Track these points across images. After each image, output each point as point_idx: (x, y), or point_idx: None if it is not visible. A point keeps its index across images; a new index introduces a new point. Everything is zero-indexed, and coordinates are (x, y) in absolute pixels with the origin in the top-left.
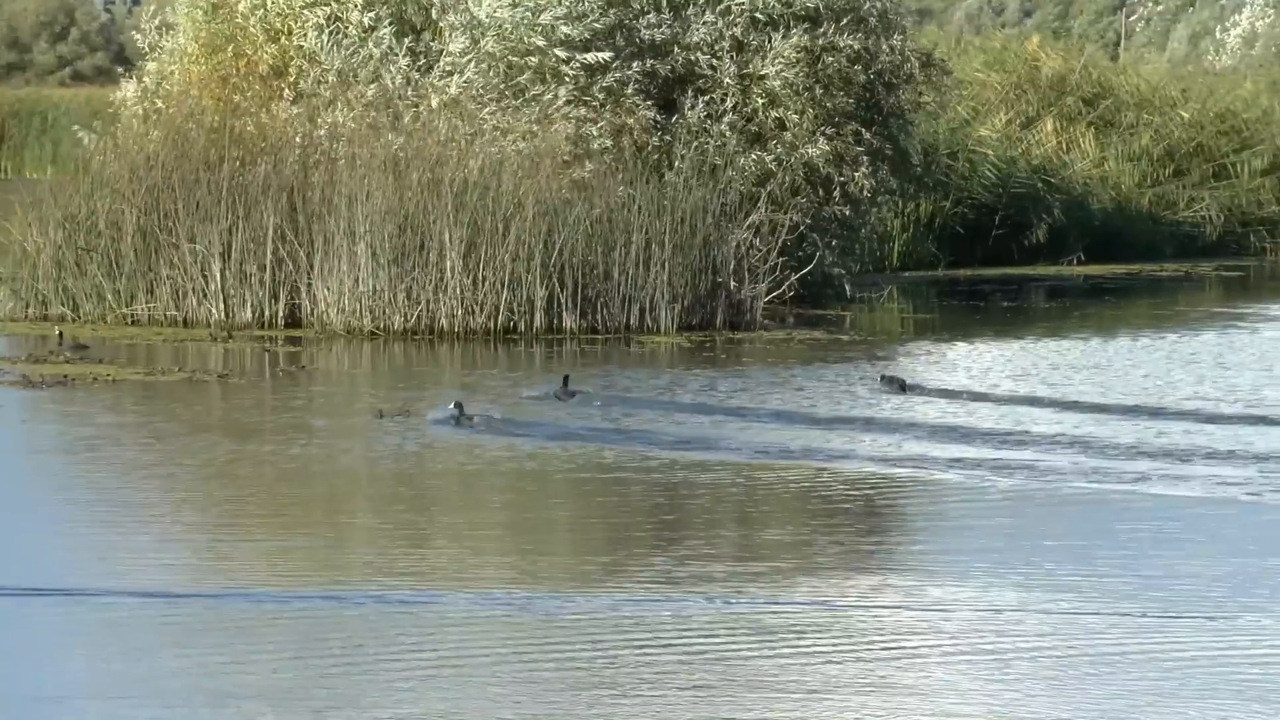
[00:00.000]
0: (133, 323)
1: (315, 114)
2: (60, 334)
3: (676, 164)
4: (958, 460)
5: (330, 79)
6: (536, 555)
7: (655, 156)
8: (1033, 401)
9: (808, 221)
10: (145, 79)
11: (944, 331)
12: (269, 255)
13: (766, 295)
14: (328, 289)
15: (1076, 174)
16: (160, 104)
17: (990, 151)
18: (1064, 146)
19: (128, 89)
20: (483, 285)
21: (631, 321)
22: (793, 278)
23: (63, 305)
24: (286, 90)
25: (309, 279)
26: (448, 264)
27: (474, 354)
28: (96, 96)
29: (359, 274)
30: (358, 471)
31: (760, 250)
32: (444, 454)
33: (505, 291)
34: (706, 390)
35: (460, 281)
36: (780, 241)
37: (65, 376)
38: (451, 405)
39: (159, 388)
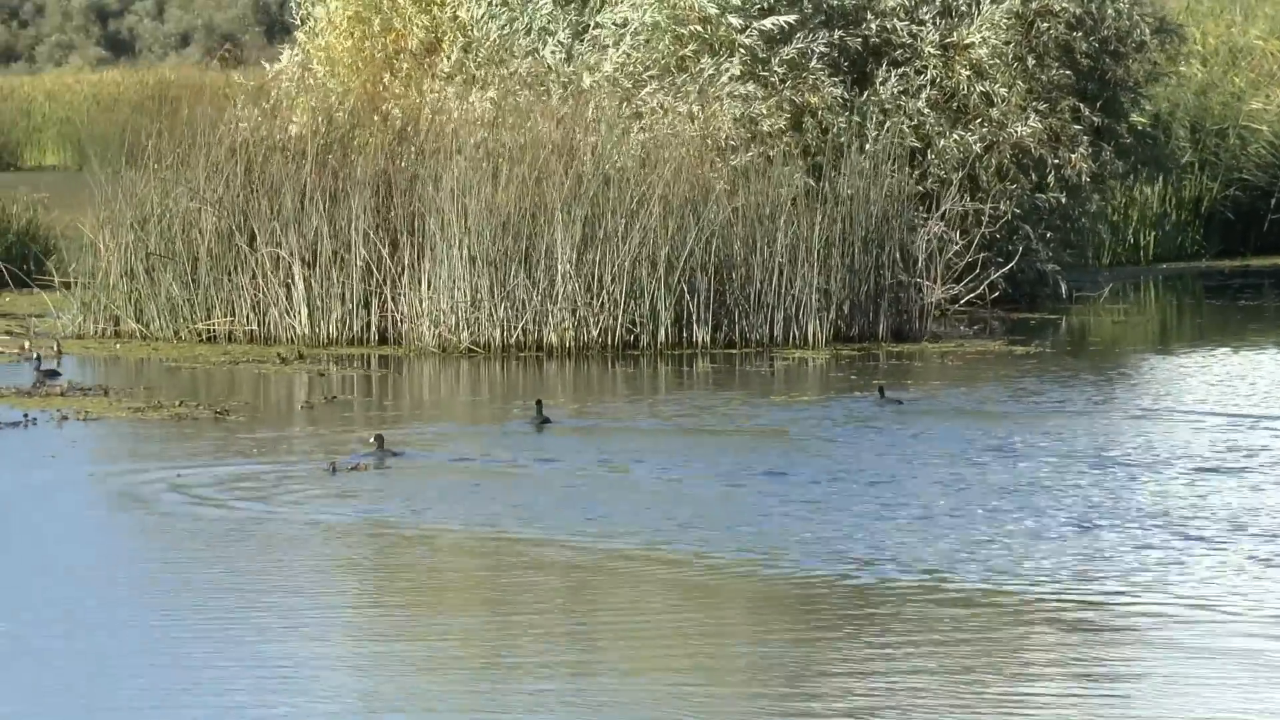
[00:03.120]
0: (208, 340)
1: (466, 93)
2: (37, 355)
3: (868, 147)
4: None
5: (483, 54)
6: None
7: (842, 139)
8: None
9: (1016, 211)
10: (302, 51)
11: (1182, 337)
12: (358, 261)
13: (964, 297)
14: (419, 300)
15: None
16: (311, 80)
17: (1266, 127)
18: None
19: (285, 60)
20: (598, 292)
21: (775, 333)
22: (993, 275)
23: (134, 320)
24: (439, 68)
25: (398, 288)
26: (558, 268)
27: (586, 374)
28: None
29: (454, 282)
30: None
31: (957, 245)
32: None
33: (625, 300)
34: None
35: (572, 288)
36: (981, 235)
37: (24, 415)
38: (371, 439)
39: (104, 427)
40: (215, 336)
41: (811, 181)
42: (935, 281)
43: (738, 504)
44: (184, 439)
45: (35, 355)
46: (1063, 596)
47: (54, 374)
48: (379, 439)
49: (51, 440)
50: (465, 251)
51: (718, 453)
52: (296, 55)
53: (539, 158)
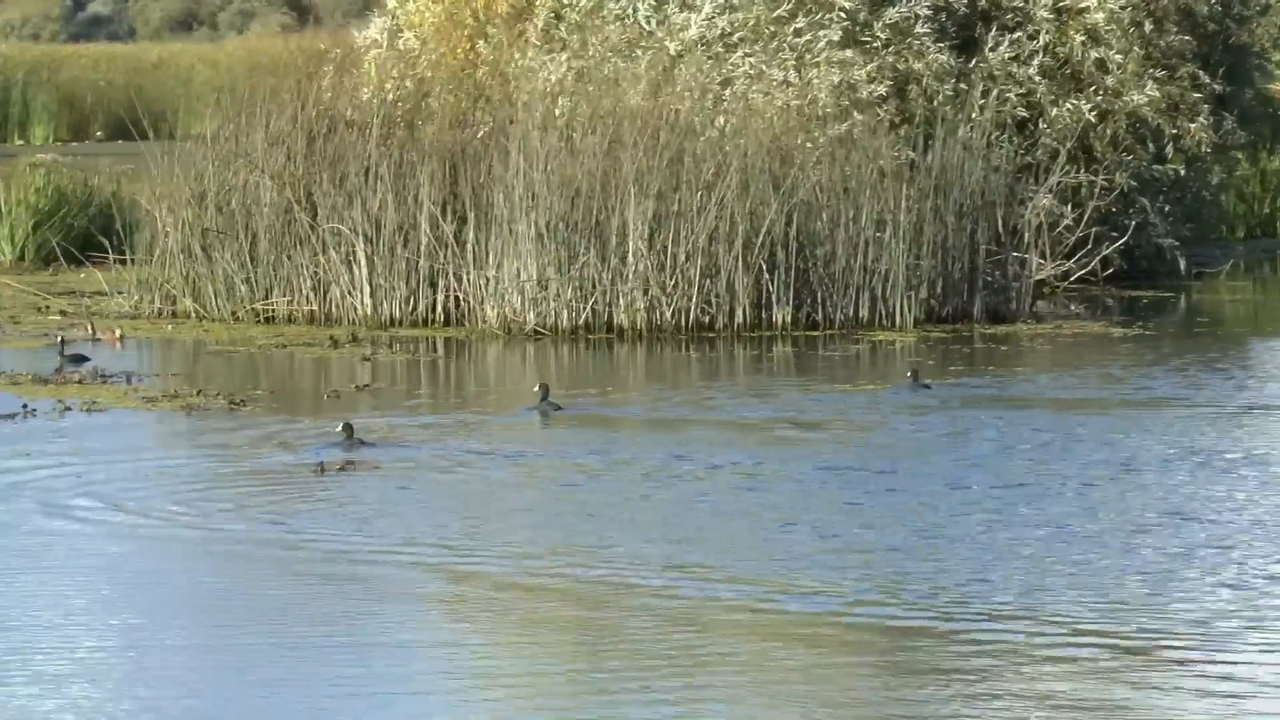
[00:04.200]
0: (265, 321)
1: (551, 60)
2: (61, 339)
3: (974, 116)
4: None
5: (572, 19)
6: None
7: (947, 108)
8: None
9: (1132, 183)
10: (395, 18)
11: None
12: (424, 237)
13: (1076, 274)
14: (483, 279)
15: None
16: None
17: None
18: None
19: (374, 28)
20: (672, 271)
21: (861, 313)
22: (1105, 250)
23: (191, 300)
24: (528, 34)
25: (461, 266)
26: (630, 245)
27: (659, 358)
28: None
29: (521, 260)
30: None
31: (1068, 219)
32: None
33: (700, 279)
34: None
35: (644, 266)
36: (1095, 208)
37: (23, 406)
38: (339, 428)
39: (102, 419)
40: (273, 317)
41: (911, 152)
42: (1044, 257)
43: (814, 522)
44: (175, 432)
45: (60, 339)
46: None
47: (80, 359)
48: (348, 428)
49: (35, 435)
50: (533, 227)
51: (780, 454)
52: (386, 23)
53: (612, 127)
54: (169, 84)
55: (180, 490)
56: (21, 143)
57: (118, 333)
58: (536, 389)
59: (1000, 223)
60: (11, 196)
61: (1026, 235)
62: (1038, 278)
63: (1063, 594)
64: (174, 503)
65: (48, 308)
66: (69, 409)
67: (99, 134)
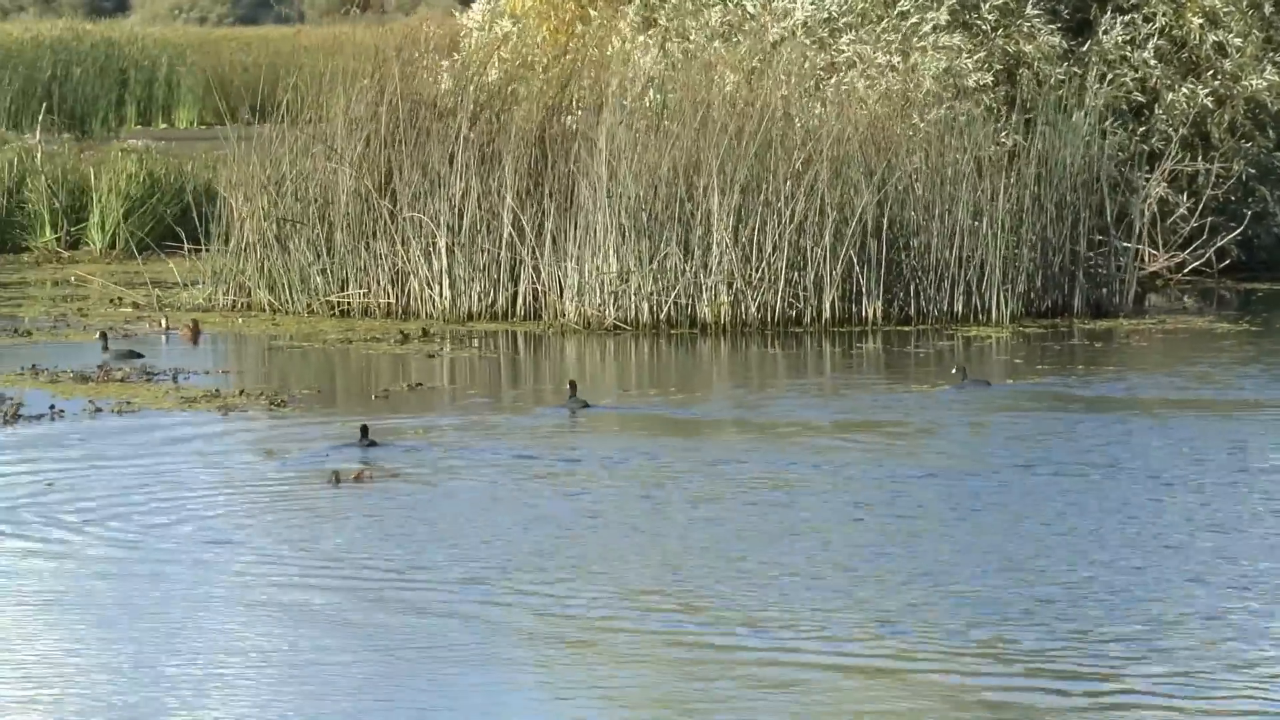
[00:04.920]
0: (341, 314)
1: (662, 41)
2: (103, 335)
3: (1088, 101)
4: None
5: (672, 2)
6: None
7: (1059, 93)
8: None
9: (1251, 171)
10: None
11: None
12: (506, 228)
13: (1190, 265)
14: (562, 271)
15: None
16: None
17: None
18: None
19: (476, 10)
20: (758, 263)
21: (955, 307)
22: (1221, 241)
23: (265, 291)
24: (629, 17)
25: (538, 257)
26: (714, 236)
27: (742, 355)
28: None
29: (601, 251)
30: None
31: (1183, 208)
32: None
33: (787, 271)
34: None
35: (729, 259)
36: (1211, 197)
37: (51, 406)
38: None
39: (130, 421)
40: (349, 310)
41: (1020, 138)
42: (1158, 248)
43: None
44: (197, 436)
45: (100, 334)
46: None
47: (133, 355)
48: (364, 430)
49: (47, 440)
50: (615, 217)
51: (824, 471)
52: (488, 5)
53: (703, 112)
54: (316, 68)
55: (153, 504)
56: (165, 125)
57: (189, 327)
58: (567, 386)
59: (1108, 213)
60: (103, 184)
61: (1137, 225)
62: (1150, 269)
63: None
64: (123, 521)
65: (120, 300)
66: (100, 410)
67: (247, 117)
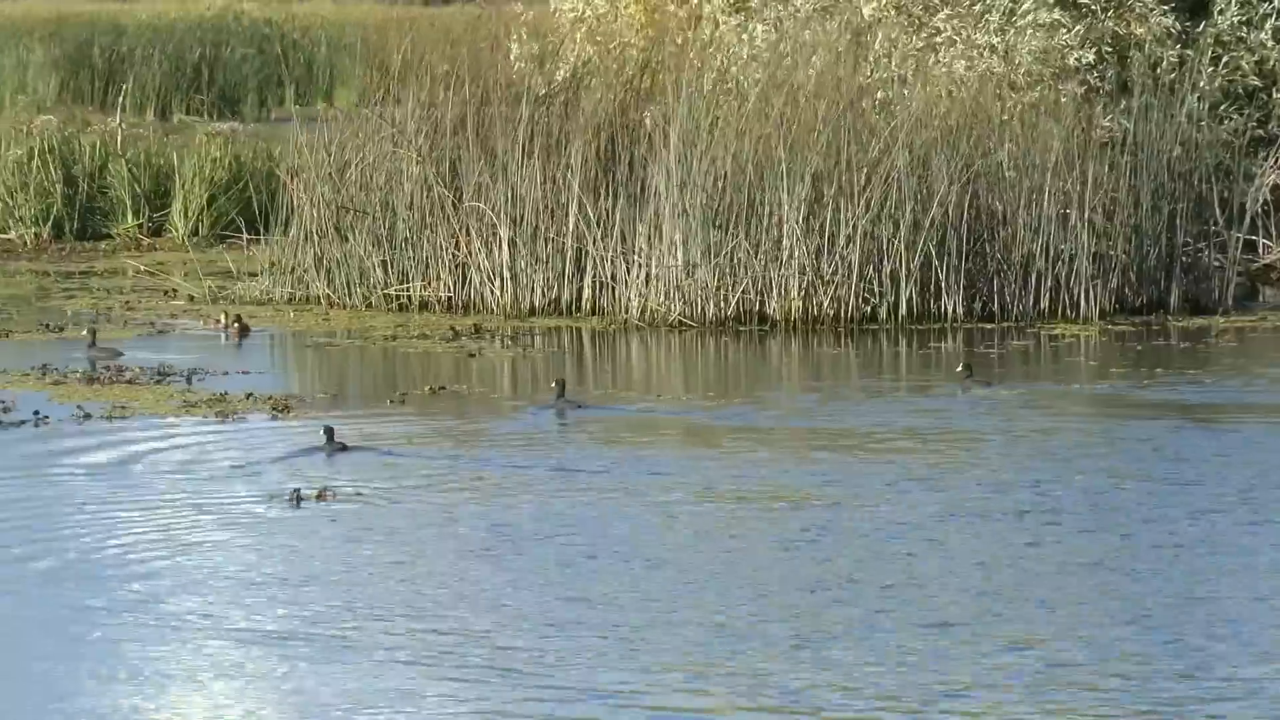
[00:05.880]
0: (400, 308)
1: (740, 27)
2: (92, 330)
3: (1201, 84)
4: None
5: None
6: None
7: (1171, 76)
8: None
9: None
10: None
11: None
12: (571, 220)
13: None
14: (626, 265)
15: None
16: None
17: None
18: None
19: None
20: (830, 256)
21: (1042, 303)
22: None
23: (324, 284)
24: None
25: (605, 251)
26: (784, 227)
27: (812, 353)
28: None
29: (666, 244)
30: None
31: None
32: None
33: (862, 264)
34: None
35: (800, 251)
36: None
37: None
38: (321, 431)
39: (119, 426)
40: (407, 304)
41: (1126, 123)
42: (1271, 239)
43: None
44: (174, 447)
45: (88, 330)
46: None
47: (115, 353)
48: (329, 431)
49: (24, 443)
50: (683, 208)
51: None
52: None
53: (786, 98)
54: (476, 49)
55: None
56: (325, 105)
57: (231, 321)
58: (554, 384)
59: (1214, 202)
60: (187, 169)
61: (1248, 215)
62: (1265, 262)
63: None
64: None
65: (175, 292)
66: (88, 416)
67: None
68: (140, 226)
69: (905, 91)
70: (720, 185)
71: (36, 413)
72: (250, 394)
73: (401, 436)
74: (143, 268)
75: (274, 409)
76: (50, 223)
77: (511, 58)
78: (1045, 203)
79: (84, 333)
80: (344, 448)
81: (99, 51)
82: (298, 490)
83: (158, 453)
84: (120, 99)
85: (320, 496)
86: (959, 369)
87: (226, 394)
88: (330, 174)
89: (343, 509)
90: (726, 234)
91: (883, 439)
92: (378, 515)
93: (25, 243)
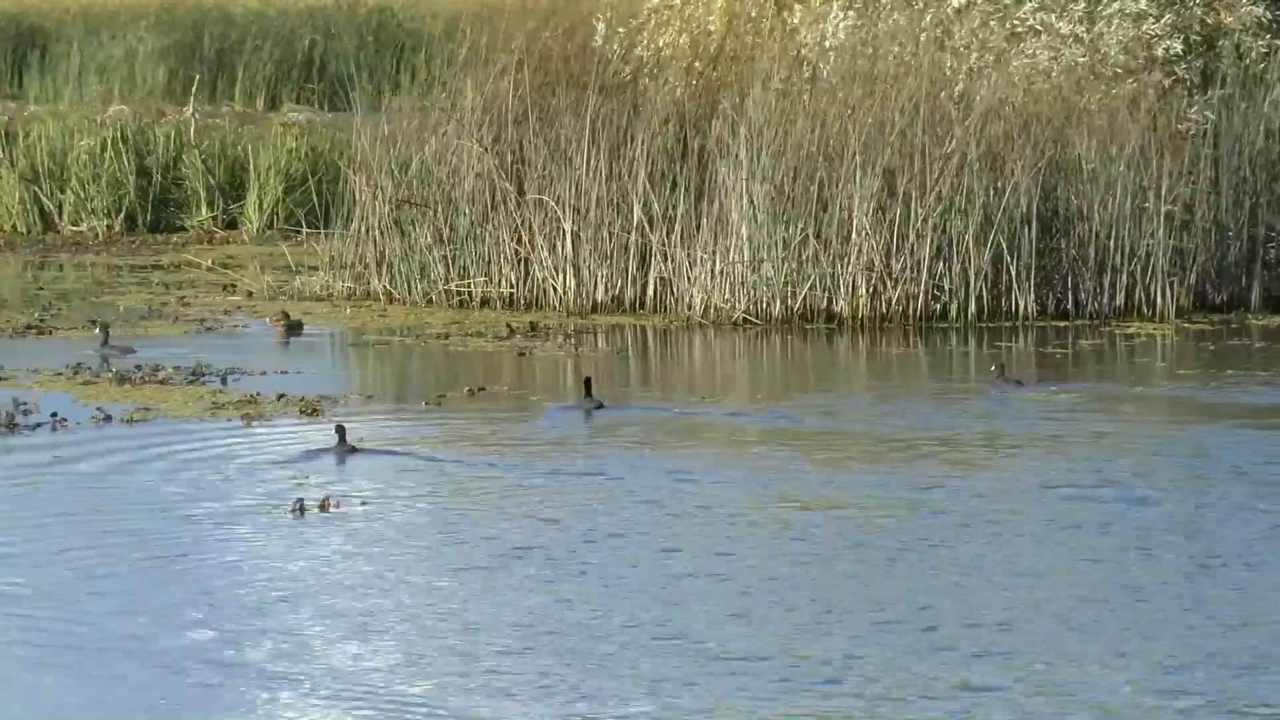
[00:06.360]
0: (460, 305)
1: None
2: (104, 327)
3: None
4: None
5: None
6: None
7: (1260, 66)
8: None
9: None
10: None
11: None
12: (635, 214)
13: None
14: (690, 260)
15: None
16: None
17: None
18: None
19: None
20: (899, 252)
21: (1117, 301)
22: None
23: (385, 280)
24: None
25: (669, 246)
26: (854, 222)
27: (880, 352)
28: None
29: (730, 239)
30: None
31: None
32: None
33: (931, 261)
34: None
35: (868, 246)
36: None
37: (53, 415)
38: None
39: (138, 430)
40: (469, 300)
41: (1212, 114)
42: None
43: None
44: (187, 452)
45: (99, 327)
46: None
47: (127, 350)
48: (340, 431)
49: (36, 449)
50: (748, 199)
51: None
52: None
53: (865, 89)
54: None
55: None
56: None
57: (277, 318)
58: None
59: None
60: (262, 160)
61: None
62: None
63: None
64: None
65: (233, 287)
66: (109, 418)
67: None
68: (214, 219)
69: (983, 82)
70: (791, 178)
71: (54, 415)
72: (282, 395)
73: (420, 439)
74: (203, 264)
75: (303, 411)
76: (123, 215)
77: (596, 38)
78: (1122, 197)
79: (95, 330)
80: (354, 450)
81: (209, 40)
82: (300, 500)
83: (162, 458)
84: (233, 89)
85: (323, 507)
86: (991, 368)
87: (258, 395)
88: (391, 168)
89: (342, 517)
90: (794, 229)
91: (943, 444)
92: (370, 525)
93: (97, 235)
